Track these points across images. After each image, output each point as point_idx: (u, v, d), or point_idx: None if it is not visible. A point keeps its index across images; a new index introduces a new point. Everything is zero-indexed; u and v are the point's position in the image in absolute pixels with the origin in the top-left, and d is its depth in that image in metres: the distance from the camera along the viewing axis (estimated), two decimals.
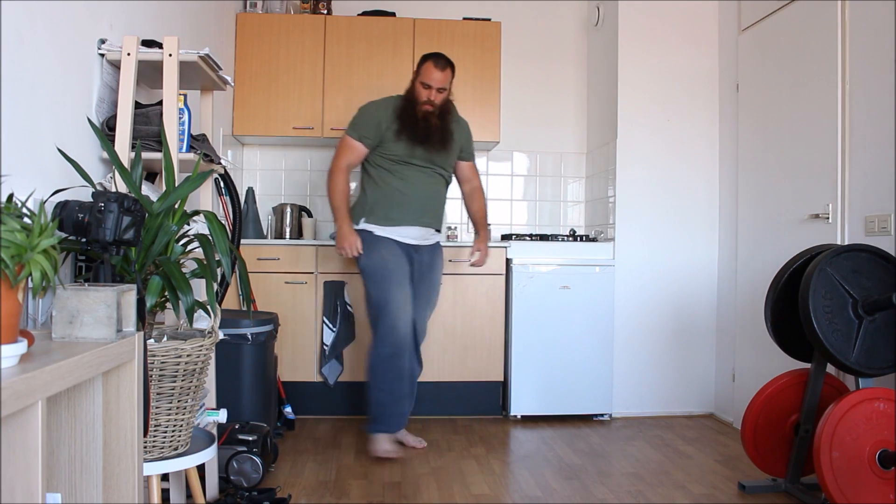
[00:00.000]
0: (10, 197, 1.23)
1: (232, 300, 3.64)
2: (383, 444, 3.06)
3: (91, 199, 1.50)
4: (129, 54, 2.05)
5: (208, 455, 1.85)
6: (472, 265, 3.44)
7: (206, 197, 2.51)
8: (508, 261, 3.81)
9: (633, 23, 3.93)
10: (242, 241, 3.70)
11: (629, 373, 3.89)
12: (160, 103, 2.10)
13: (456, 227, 4.31)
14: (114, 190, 1.94)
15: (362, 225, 3.17)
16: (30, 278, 1.08)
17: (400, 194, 3.15)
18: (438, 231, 3.33)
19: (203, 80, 2.38)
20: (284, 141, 4.22)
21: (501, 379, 3.83)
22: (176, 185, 1.89)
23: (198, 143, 2.32)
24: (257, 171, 4.33)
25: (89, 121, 1.97)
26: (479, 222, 3.45)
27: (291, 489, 2.63)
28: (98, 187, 1.83)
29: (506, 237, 4.00)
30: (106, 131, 2.07)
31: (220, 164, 2.48)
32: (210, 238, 1.80)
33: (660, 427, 3.68)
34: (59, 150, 1.74)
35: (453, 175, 3.39)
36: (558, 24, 4.48)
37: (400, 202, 3.15)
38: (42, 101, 1.77)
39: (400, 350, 3.06)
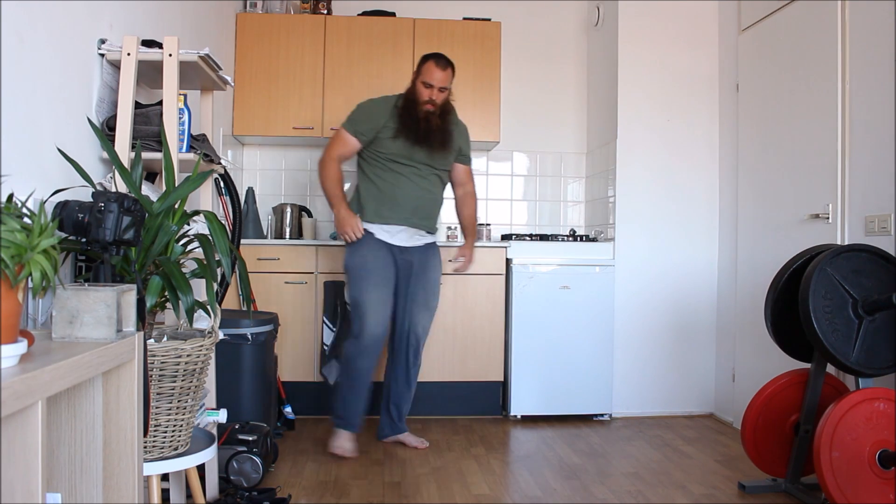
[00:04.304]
0: (10, 197, 1.23)
1: (232, 300, 3.64)
2: (341, 440, 3.08)
3: (91, 199, 1.50)
4: (129, 54, 2.05)
5: (208, 455, 1.85)
6: (455, 270, 3.45)
7: (206, 197, 2.51)
8: (508, 261, 3.81)
9: (633, 23, 3.93)
10: (242, 241, 3.70)
11: (629, 373, 3.89)
12: (160, 103, 2.10)
13: (456, 228, 4.31)
14: (114, 190, 1.94)
15: None
16: (30, 278, 1.08)
17: (391, 193, 3.14)
18: (431, 233, 3.30)
19: (203, 80, 2.38)
20: (284, 141, 4.22)
21: (501, 379, 3.83)
22: (176, 185, 1.89)
23: (198, 143, 2.32)
24: (257, 171, 4.33)
25: (89, 121, 1.97)
26: (468, 228, 3.45)
27: (291, 489, 2.63)
28: (98, 187, 1.83)
29: (506, 237, 4.00)
30: (106, 131, 2.07)
31: (220, 164, 2.48)
32: (210, 238, 1.80)
33: (660, 427, 3.68)
34: (59, 150, 1.74)
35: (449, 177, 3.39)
36: (558, 24, 4.48)
37: (391, 200, 3.14)
38: (42, 101, 1.77)
39: (366, 351, 3.09)
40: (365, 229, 3.14)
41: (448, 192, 3.42)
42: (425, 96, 3.12)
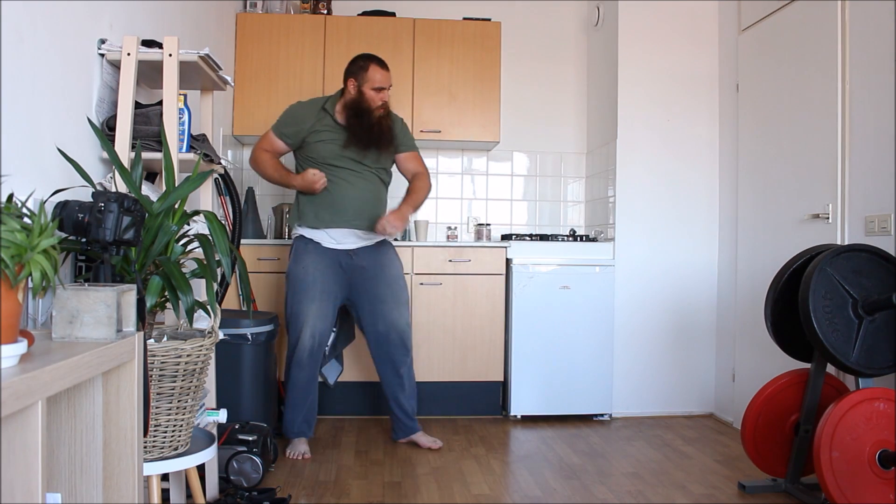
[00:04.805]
0: (10, 197, 1.23)
1: (232, 300, 3.64)
2: (295, 446, 3.09)
3: (91, 199, 1.50)
4: (129, 54, 2.05)
5: (208, 455, 1.85)
6: (374, 229, 3.11)
7: (206, 197, 2.51)
8: (508, 261, 3.81)
9: (633, 23, 3.93)
10: (242, 241, 3.70)
11: (629, 373, 3.89)
12: (160, 103, 2.10)
13: (456, 227, 4.31)
14: (114, 190, 1.95)
15: (297, 230, 3.20)
16: (30, 278, 1.08)
17: (329, 196, 3.11)
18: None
19: (203, 80, 2.38)
20: None
21: (501, 379, 3.83)
22: (176, 185, 1.89)
23: (198, 143, 2.32)
24: None
25: (89, 121, 1.97)
26: (409, 195, 3.23)
27: (291, 489, 2.63)
28: (98, 187, 1.83)
29: (506, 237, 4.00)
30: (106, 131, 2.07)
31: (220, 164, 2.48)
32: (210, 238, 1.80)
33: (660, 427, 3.67)
34: (59, 150, 1.74)
35: (394, 171, 3.34)
36: (558, 24, 4.48)
37: (330, 203, 3.12)
38: (42, 101, 1.77)
39: (301, 362, 3.09)
40: (310, 238, 3.14)
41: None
42: (378, 101, 3.10)
